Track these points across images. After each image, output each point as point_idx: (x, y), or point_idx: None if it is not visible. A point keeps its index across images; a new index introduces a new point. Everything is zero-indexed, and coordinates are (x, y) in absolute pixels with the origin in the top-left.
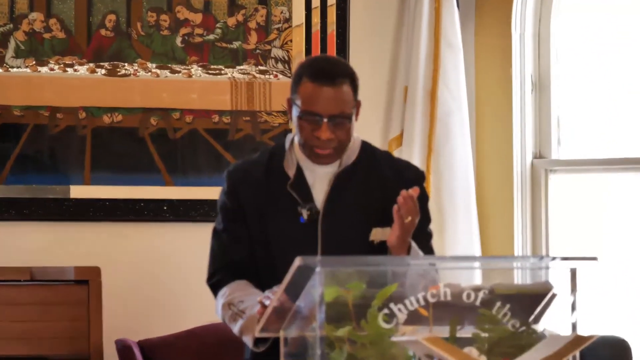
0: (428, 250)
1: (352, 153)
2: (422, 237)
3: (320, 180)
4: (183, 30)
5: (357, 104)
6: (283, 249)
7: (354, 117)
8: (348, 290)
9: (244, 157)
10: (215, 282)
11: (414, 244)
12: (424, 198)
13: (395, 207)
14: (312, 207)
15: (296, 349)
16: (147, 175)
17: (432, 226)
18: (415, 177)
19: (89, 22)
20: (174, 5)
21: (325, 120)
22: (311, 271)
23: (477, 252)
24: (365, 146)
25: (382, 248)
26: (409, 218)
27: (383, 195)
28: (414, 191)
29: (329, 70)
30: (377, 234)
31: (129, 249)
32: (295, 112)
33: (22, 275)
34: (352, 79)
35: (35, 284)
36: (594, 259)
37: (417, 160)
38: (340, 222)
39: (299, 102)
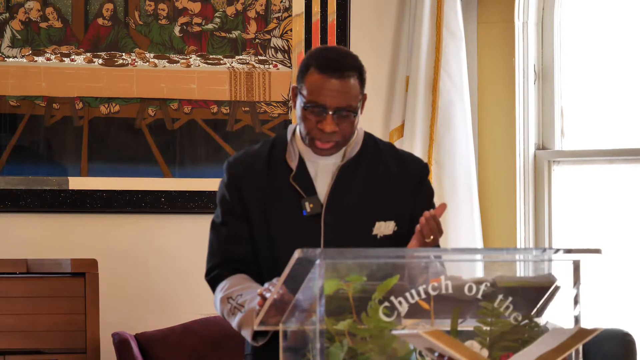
0: (435, 246)
1: (355, 145)
2: None
3: (323, 172)
4: (181, 20)
5: (363, 98)
6: (285, 242)
7: (359, 111)
8: (348, 283)
9: (244, 148)
10: (214, 277)
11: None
12: (429, 193)
13: (417, 227)
14: (315, 200)
15: (296, 343)
16: (145, 166)
17: None
18: (419, 170)
19: (86, 11)
20: None
21: (330, 112)
22: (311, 264)
23: (479, 244)
24: (369, 138)
25: (385, 242)
26: (431, 238)
27: (387, 188)
28: (438, 211)
29: (338, 62)
30: (381, 228)
31: (126, 241)
32: (300, 101)
33: (17, 268)
34: (360, 73)
35: (31, 277)
36: (598, 251)
37: (418, 150)
38: (343, 215)
39: (304, 91)
